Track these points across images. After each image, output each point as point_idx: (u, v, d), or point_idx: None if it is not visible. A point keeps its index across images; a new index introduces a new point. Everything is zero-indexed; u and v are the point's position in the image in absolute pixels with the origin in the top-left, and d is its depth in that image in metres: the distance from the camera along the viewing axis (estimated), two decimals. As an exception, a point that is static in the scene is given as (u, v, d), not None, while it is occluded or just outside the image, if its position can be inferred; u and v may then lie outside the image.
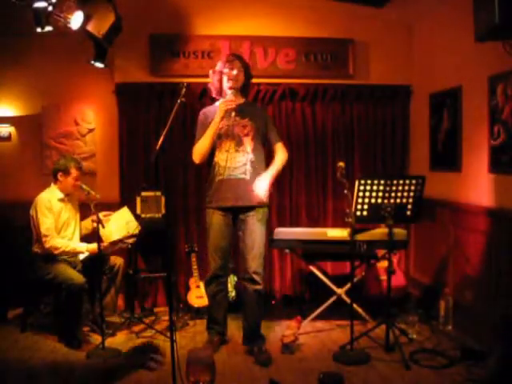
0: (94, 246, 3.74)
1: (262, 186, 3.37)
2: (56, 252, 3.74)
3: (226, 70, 3.45)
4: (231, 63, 3.45)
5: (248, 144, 3.46)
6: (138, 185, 4.49)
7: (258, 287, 3.50)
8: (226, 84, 3.48)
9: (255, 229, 3.47)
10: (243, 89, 3.55)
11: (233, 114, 3.42)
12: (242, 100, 3.54)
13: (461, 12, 3.70)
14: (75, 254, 3.89)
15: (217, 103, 3.58)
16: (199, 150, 3.47)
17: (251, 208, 3.47)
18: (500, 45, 3.25)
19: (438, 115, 4.40)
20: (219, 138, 3.46)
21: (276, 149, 3.60)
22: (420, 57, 4.74)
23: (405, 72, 4.83)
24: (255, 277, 3.47)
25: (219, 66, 3.53)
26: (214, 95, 3.63)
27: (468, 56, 3.87)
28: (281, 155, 3.58)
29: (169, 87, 4.52)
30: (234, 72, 3.44)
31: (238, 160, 3.44)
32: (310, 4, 4.63)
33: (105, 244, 3.78)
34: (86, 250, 3.84)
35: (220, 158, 3.46)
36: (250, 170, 3.44)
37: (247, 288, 3.52)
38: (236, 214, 3.51)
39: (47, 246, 3.72)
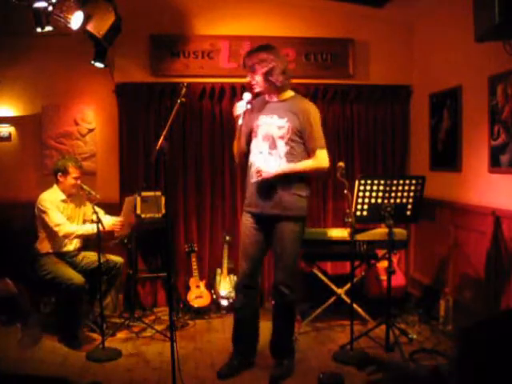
0: (106, 225, 3.71)
1: (270, 168, 3.09)
2: (71, 237, 3.80)
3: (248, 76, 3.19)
4: (245, 66, 3.18)
5: (281, 147, 3.14)
6: (138, 185, 4.49)
7: (287, 299, 3.20)
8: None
9: (285, 237, 3.15)
10: (276, 83, 3.12)
11: (240, 121, 3.13)
12: (283, 96, 3.21)
13: (461, 12, 3.70)
14: (90, 235, 3.83)
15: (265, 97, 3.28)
16: (234, 150, 3.34)
17: (283, 218, 3.14)
18: (500, 45, 3.25)
19: (438, 115, 4.40)
20: (256, 137, 3.20)
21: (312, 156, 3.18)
22: (420, 57, 4.74)
23: (405, 72, 4.83)
24: (282, 288, 3.18)
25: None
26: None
27: (468, 56, 3.87)
28: (312, 160, 3.15)
29: (169, 87, 4.53)
30: (252, 79, 3.16)
31: (270, 164, 3.12)
32: (309, 4, 4.63)
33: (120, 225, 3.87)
34: (100, 228, 3.79)
35: (253, 159, 3.21)
36: (281, 177, 3.11)
37: (275, 300, 3.29)
38: (269, 221, 3.19)
39: (61, 234, 3.74)
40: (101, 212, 3.81)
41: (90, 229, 3.81)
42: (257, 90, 3.19)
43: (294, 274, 3.22)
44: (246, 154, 3.30)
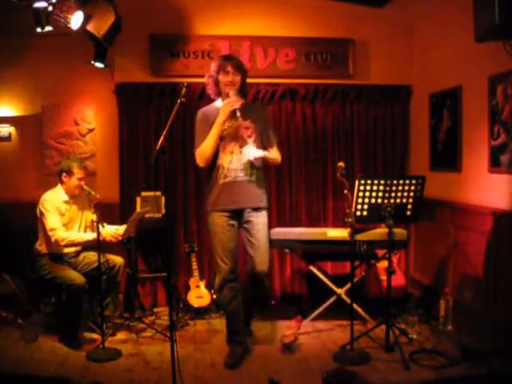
0: (104, 233, 3.69)
1: (256, 152, 3.38)
2: (63, 244, 3.72)
3: (221, 78, 3.41)
4: (226, 70, 3.39)
5: (251, 146, 3.42)
6: (138, 185, 4.50)
7: (264, 285, 3.53)
8: (223, 88, 3.43)
9: (260, 228, 3.46)
10: (241, 89, 3.47)
11: (238, 113, 3.31)
12: (242, 101, 3.48)
13: (461, 12, 3.70)
14: (84, 243, 3.84)
15: (215, 103, 3.54)
16: (204, 153, 3.41)
17: (255, 209, 3.46)
18: (500, 45, 3.25)
19: (438, 115, 4.40)
20: (222, 139, 3.40)
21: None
22: (420, 57, 4.74)
23: (405, 72, 4.83)
24: (262, 276, 3.47)
25: (213, 68, 3.46)
26: (212, 97, 3.57)
27: (468, 56, 3.87)
28: (277, 153, 3.56)
29: (169, 87, 4.53)
30: (229, 78, 3.39)
31: (242, 162, 3.41)
32: (310, 4, 4.63)
33: (120, 233, 3.81)
34: (92, 237, 3.76)
35: (224, 160, 3.41)
36: (253, 172, 3.44)
37: (253, 285, 3.52)
38: (240, 215, 3.48)
39: (53, 239, 3.70)
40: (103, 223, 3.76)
41: (88, 236, 3.79)
42: (229, 89, 3.39)
43: (268, 262, 3.50)
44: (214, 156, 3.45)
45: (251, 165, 3.42)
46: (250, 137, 3.43)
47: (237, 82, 3.40)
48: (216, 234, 3.46)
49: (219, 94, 3.50)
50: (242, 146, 3.41)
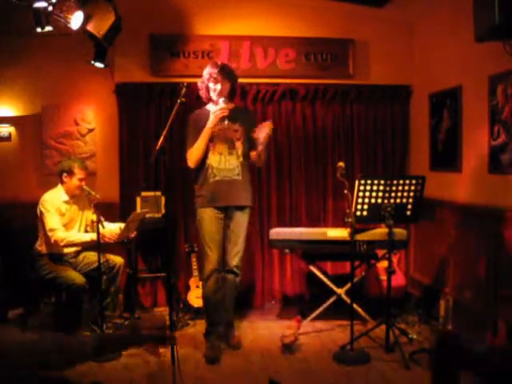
0: (102, 232, 3.67)
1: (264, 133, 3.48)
2: (62, 244, 3.72)
3: (211, 85, 3.58)
4: (215, 78, 3.55)
5: (239, 147, 3.62)
6: (138, 185, 4.50)
7: (238, 279, 3.72)
8: (213, 95, 3.60)
9: (241, 226, 3.67)
10: (231, 94, 3.66)
11: (226, 121, 3.56)
12: (231, 105, 3.63)
13: (461, 12, 3.70)
14: (83, 244, 3.85)
15: (207, 107, 3.69)
16: (195, 156, 3.58)
17: (240, 207, 3.65)
18: (500, 45, 3.25)
19: (438, 115, 4.40)
20: (212, 140, 3.57)
21: None
22: (420, 57, 4.74)
23: (405, 72, 4.83)
24: (236, 270, 3.67)
25: (205, 73, 3.61)
26: (205, 101, 3.73)
27: (468, 56, 3.87)
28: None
29: (169, 87, 4.53)
30: (218, 87, 3.55)
31: (231, 162, 3.60)
32: (310, 4, 4.63)
33: (116, 233, 3.78)
34: (90, 238, 3.78)
35: (214, 160, 3.59)
36: (240, 172, 3.63)
37: (228, 279, 3.69)
38: (227, 211, 3.65)
39: (53, 239, 3.70)
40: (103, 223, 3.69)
41: (87, 237, 3.79)
42: (218, 96, 3.55)
43: (241, 257, 3.71)
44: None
45: (238, 165, 3.60)
46: (238, 139, 3.62)
47: (225, 90, 3.59)
48: (204, 225, 3.63)
49: (210, 99, 3.66)
50: (230, 148, 3.60)
